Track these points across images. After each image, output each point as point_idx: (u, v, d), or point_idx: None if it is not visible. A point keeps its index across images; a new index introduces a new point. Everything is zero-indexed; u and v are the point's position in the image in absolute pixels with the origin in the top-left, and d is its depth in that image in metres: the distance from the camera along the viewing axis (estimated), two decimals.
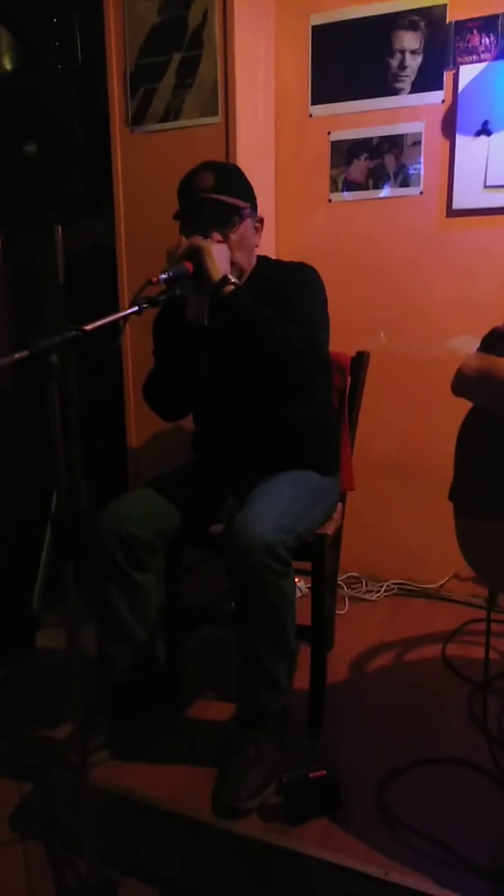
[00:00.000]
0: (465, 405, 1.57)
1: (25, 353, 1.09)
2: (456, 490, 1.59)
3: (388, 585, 2.50)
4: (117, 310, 2.30)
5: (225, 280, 1.55)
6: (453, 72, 2.21)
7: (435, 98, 2.25)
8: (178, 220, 1.67)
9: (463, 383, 1.51)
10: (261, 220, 1.74)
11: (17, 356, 1.07)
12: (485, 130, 2.19)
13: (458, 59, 2.19)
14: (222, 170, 1.67)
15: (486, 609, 1.82)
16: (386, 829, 1.41)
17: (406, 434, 2.46)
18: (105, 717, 1.69)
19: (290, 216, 2.49)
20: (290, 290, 1.65)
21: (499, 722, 1.73)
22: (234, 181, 1.67)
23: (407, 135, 2.30)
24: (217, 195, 1.60)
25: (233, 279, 1.57)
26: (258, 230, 1.74)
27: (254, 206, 1.70)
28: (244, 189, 1.68)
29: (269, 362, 1.56)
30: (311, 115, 2.42)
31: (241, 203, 1.64)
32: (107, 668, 1.69)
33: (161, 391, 1.80)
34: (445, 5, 2.18)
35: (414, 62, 2.25)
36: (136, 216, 2.29)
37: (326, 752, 1.65)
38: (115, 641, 1.67)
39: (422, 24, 2.22)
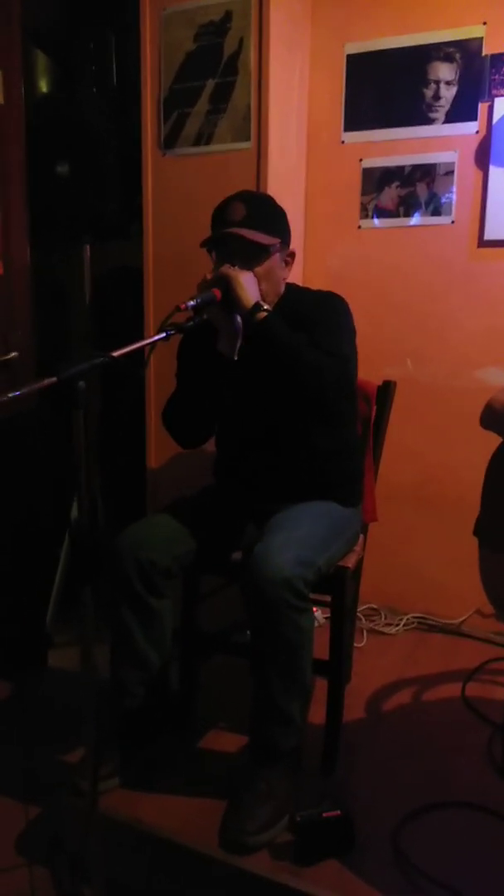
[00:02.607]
0: (492, 437, 1.55)
1: (53, 379, 1.09)
2: (482, 525, 1.56)
3: (407, 619, 2.46)
4: (142, 331, 2.34)
5: (258, 306, 1.54)
6: (488, 104, 2.21)
7: (469, 129, 2.24)
8: (206, 249, 1.68)
9: (492, 417, 1.49)
10: (292, 254, 1.73)
11: (45, 382, 1.07)
12: None
13: (494, 92, 2.19)
14: (255, 202, 1.67)
15: None
16: (400, 874, 1.38)
17: (431, 465, 2.43)
18: (116, 742, 1.67)
19: (319, 242, 2.49)
20: (319, 320, 1.64)
21: None
22: (265, 215, 1.66)
23: (440, 164, 2.29)
24: (246, 230, 1.60)
25: (265, 305, 1.56)
26: (288, 263, 1.73)
27: (285, 241, 1.70)
28: (275, 223, 1.68)
29: (300, 390, 1.55)
30: (343, 142, 2.42)
31: (268, 240, 1.63)
32: (120, 693, 1.68)
33: (181, 417, 1.79)
34: (482, 38, 2.19)
35: (448, 93, 2.25)
36: (164, 239, 2.30)
37: (340, 791, 1.62)
38: (130, 667, 1.66)
39: (457, 55, 2.22)
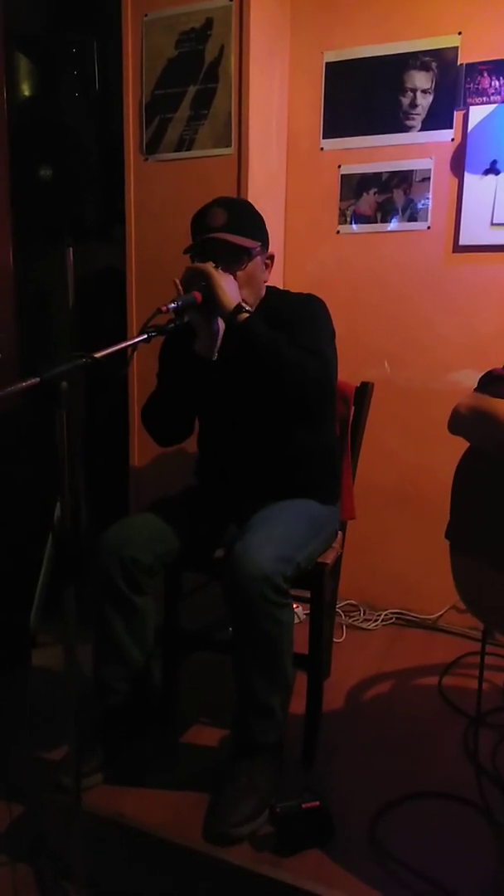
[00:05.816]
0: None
1: (36, 379, 1.10)
2: (452, 528, 1.59)
3: (385, 615, 2.50)
4: (125, 332, 2.36)
5: (239, 308, 1.57)
6: (463, 112, 2.25)
7: (444, 136, 2.29)
8: (189, 255, 1.70)
9: (458, 422, 1.52)
10: (271, 257, 1.76)
11: (28, 383, 1.09)
12: (493, 170, 2.23)
13: (469, 100, 2.24)
14: (235, 208, 1.70)
15: (481, 642, 1.82)
16: (377, 863, 1.40)
17: (407, 464, 2.48)
18: (99, 739, 1.68)
19: (298, 246, 2.53)
20: (299, 321, 1.67)
21: (492, 757, 1.73)
22: (245, 220, 1.69)
23: (416, 171, 2.34)
24: (227, 235, 1.63)
25: (247, 307, 1.59)
26: (268, 266, 1.76)
27: (264, 244, 1.73)
28: (255, 228, 1.71)
29: (282, 389, 1.57)
30: (322, 149, 2.46)
31: (249, 244, 1.66)
32: (103, 690, 1.69)
33: (160, 415, 1.82)
34: (457, 48, 2.23)
35: (425, 101, 2.30)
36: (147, 243, 2.33)
37: (319, 782, 1.64)
38: (112, 664, 1.68)
39: (433, 64, 2.27)
